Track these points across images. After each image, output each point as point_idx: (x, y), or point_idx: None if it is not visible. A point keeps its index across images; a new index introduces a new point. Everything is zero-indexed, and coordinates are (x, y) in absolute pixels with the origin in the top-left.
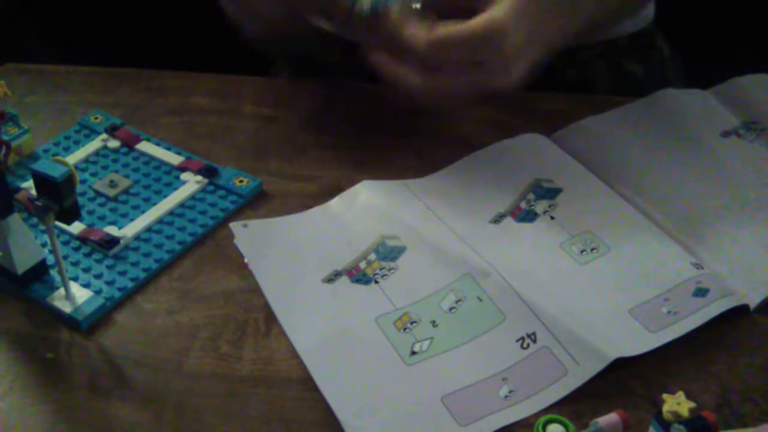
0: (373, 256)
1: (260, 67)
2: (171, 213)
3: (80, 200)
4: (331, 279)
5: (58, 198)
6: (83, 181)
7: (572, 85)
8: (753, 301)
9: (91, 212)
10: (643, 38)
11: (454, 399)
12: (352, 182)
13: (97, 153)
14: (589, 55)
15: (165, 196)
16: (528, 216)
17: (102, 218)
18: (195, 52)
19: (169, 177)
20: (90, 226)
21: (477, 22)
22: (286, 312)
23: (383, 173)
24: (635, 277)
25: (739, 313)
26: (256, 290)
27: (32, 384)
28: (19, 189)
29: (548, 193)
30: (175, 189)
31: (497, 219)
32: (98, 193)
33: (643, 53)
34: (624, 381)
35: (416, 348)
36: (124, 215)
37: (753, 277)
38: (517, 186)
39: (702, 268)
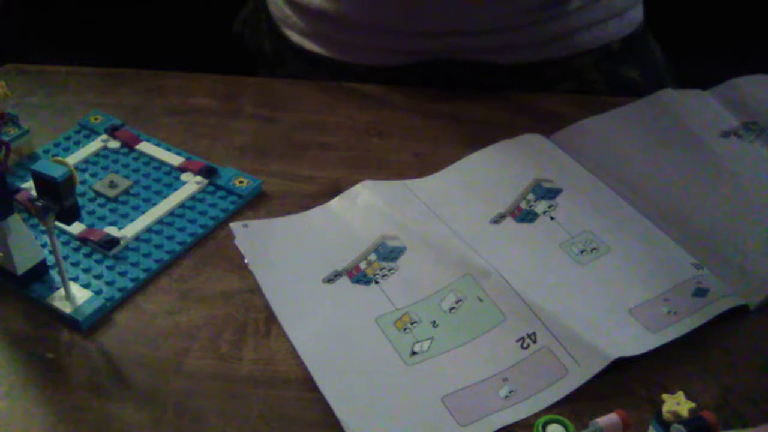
0: (373, 257)
1: (260, 67)
2: (171, 213)
3: (80, 201)
4: (331, 279)
5: (58, 198)
6: (83, 182)
7: (562, 89)
8: (753, 301)
9: (91, 213)
10: (636, 41)
11: (455, 399)
12: (352, 182)
13: (97, 153)
14: (584, 64)
15: (165, 197)
16: (528, 216)
17: (102, 219)
18: (195, 52)
19: (169, 177)
20: (90, 226)
21: None
22: (286, 312)
23: (383, 173)
24: (635, 277)
25: (739, 313)
26: (256, 290)
27: (32, 384)
28: (19, 189)
29: (548, 193)
30: (175, 189)
31: (497, 219)
32: (98, 194)
33: (637, 57)
34: (624, 381)
35: (416, 348)
36: (124, 216)
37: (753, 277)
38: (517, 186)
39: (702, 268)
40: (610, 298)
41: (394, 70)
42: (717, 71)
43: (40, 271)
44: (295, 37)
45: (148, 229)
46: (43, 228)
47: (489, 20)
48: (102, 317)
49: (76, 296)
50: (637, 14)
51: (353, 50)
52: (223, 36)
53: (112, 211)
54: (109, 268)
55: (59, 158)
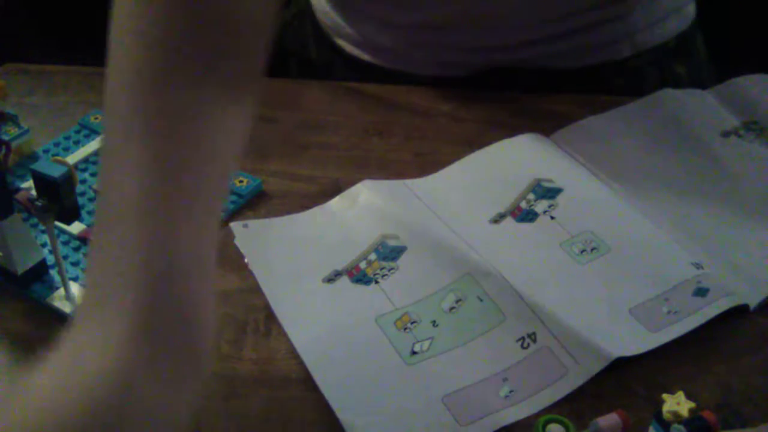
0: (373, 256)
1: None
2: None
3: (80, 200)
4: (331, 279)
5: (58, 198)
6: (83, 181)
7: (618, 91)
8: (753, 301)
9: (91, 212)
10: (687, 38)
11: (455, 399)
12: (352, 182)
13: (97, 153)
14: (640, 63)
15: None
16: (528, 216)
17: None
18: None
19: None
20: (90, 226)
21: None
22: (286, 312)
23: (383, 173)
24: (635, 277)
25: (739, 313)
26: (256, 290)
27: None
28: (19, 189)
29: (548, 193)
30: None
31: (497, 219)
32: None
33: (686, 53)
34: (624, 381)
35: (416, 348)
36: None
37: (753, 277)
38: (517, 186)
39: (702, 268)
40: (610, 298)
41: (454, 80)
42: (717, 71)
43: (40, 271)
44: (348, 48)
45: None
46: (43, 228)
47: (554, 28)
48: None
49: (76, 296)
50: (691, 10)
51: (414, 62)
52: None
53: None
54: None
55: (59, 158)
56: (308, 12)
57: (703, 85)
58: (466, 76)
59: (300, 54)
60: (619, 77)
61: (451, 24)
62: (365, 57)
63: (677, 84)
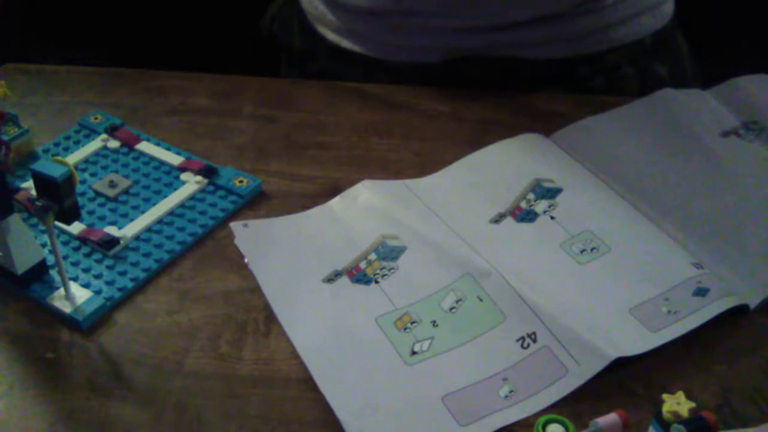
0: (373, 256)
1: (260, 67)
2: (171, 213)
3: (80, 200)
4: (331, 279)
5: (58, 198)
6: (83, 182)
7: (599, 92)
8: (753, 301)
9: (91, 212)
10: (665, 36)
11: (455, 399)
12: (352, 182)
13: (97, 153)
14: (616, 60)
15: (165, 197)
16: (528, 216)
17: (102, 218)
18: (195, 52)
19: (169, 177)
20: (90, 226)
21: None
22: (286, 312)
23: (383, 173)
24: (635, 277)
25: (739, 313)
26: (256, 290)
27: (32, 384)
28: (19, 189)
29: (548, 193)
30: (175, 189)
31: (497, 219)
32: (98, 194)
33: (666, 52)
34: (624, 381)
35: (416, 348)
36: (124, 215)
37: (753, 277)
38: (517, 186)
39: (702, 268)
40: (610, 298)
41: (430, 68)
42: (717, 71)
43: (40, 271)
44: (329, 35)
45: (148, 229)
46: (43, 228)
47: (526, 12)
48: (102, 317)
49: (76, 296)
50: (668, 8)
51: (389, 48)
52: (225, 35)
53: (112, 210)
54: (109, 267)
55: (59, 158)
56: (294, 3)
57: (687, 85)
58: (439, 62)
59: (287, 45)
60: (598, 75)
61: (421, 6)
62: (345, 44)
63: (656, 83)
